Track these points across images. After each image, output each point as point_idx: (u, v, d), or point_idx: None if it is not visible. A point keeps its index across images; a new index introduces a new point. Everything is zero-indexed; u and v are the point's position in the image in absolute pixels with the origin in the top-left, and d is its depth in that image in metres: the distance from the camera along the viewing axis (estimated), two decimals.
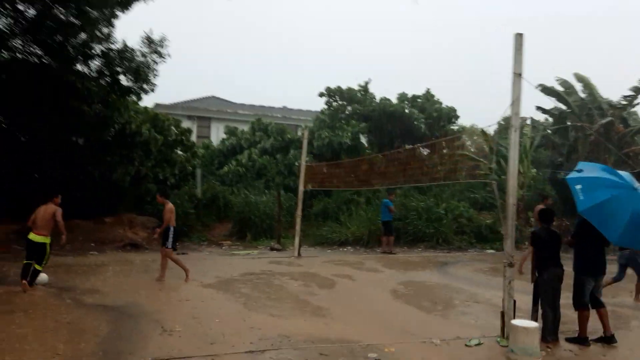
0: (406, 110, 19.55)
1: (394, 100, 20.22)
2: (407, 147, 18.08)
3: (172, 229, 8.91)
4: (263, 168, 18.30)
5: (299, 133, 22.23)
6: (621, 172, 5.92)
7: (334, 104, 20.85)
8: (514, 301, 5.75)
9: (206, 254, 12.93)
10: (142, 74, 12.81)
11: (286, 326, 6.14)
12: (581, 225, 5.82)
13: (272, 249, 13.80)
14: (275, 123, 21.43)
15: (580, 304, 5.76)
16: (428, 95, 20.79)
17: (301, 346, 5.36)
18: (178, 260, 9.21)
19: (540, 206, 9.67)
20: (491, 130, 19.95)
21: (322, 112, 20.82)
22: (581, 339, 5.71)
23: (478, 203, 18.07)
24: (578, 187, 5.55)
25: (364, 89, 20.82)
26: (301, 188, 13.32)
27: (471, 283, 9.76)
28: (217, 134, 26.72)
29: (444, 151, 12.70)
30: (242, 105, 31.46)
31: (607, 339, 5.72)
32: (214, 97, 32.52)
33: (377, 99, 20.24)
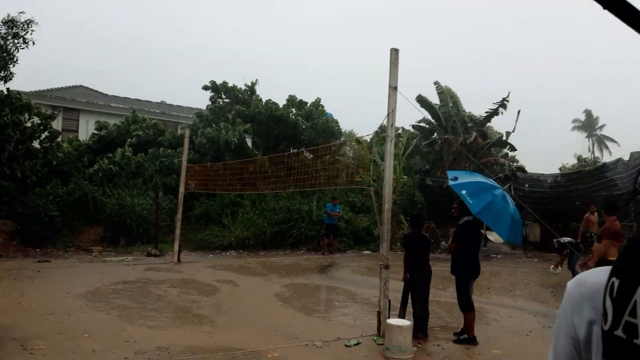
0: (291, 116, 19.78)
1: (280, 103, 20.35)
2: (293, 151, 18.41)
3: None
4: (140, 166, 17.17)
5: (179, 131, 21.36)
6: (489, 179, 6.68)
7: (219, 102, 20.38)
8: (389, 301, 6.15)
9: (73, 261, 11.75)
10: None
11: (164, 337, 5.86)
12: (462, 230, 6.14)
13: (149, 254, 12.96)
14: (150, 118, 20.29)
15: (467, 307, 6.06)
16: (317, 104, 21.17)
17: (181, 358, 5.16)
18: None
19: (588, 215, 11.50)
20: (368, 138, 21.17)
21: (206, 107, 20.23)
22: (470, 339, 6.04)
23: (356, 206, 19.01)
24: (464, 192, 5.90)
25: (251, 89, 20.64)
26: (182, 190, 12.78)
27: (350, 283, 10.23)
28: (86, 128, 24.47)
29: (327, 157, 13.21)
30: (116, 98, 29.19)
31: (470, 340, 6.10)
32: (82, 87, 29.70)
33: (264, 101, 20.20)
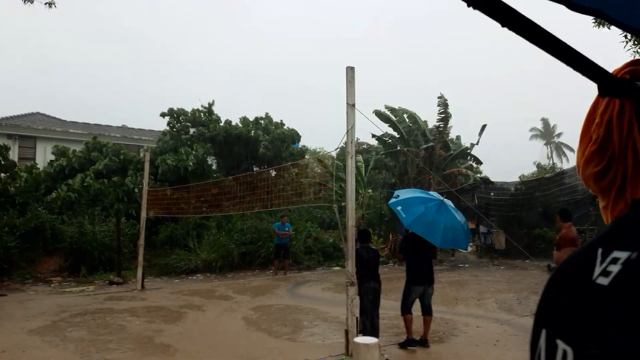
0: (252, 133, 19.75)
1: (237, 123, 20.29)
2: (255, 169, 18.29)
3: None
4: (100, 193, 16.67)
5: (141, 154, 20.95)
6: (430, 192, 7.43)
7: (177, 125, 20.14)
8: (357, 318, 6.10)
9: (31, 294, 11.21)
10: None
11: None
12: (405, 241, 6.75)
13: (111, 283, 12.52)
14: (113, 143, 19.82)
15: (404, 310, 6.50)
16: (269, 118, 21.31)
17: None
18: None
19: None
20: (333, 154, 21.26)
21: (164, 133, 19.95)
22: (409, 341, 6.46)
23: (324, 222, 18.98)
24: (399, 208, 6.47)
25: (209, 110, 20.53)
26: (143, 215, 12.46)
27: (319, 302, 10.13)
28: (44, 156, 23.69)
29: (293, 171, 13.16)
30: (74, 124, 28.49)
31: (421, 342, 6.50)
32: (39, 114, 28.86)
33: (222, 120, 20.10)
